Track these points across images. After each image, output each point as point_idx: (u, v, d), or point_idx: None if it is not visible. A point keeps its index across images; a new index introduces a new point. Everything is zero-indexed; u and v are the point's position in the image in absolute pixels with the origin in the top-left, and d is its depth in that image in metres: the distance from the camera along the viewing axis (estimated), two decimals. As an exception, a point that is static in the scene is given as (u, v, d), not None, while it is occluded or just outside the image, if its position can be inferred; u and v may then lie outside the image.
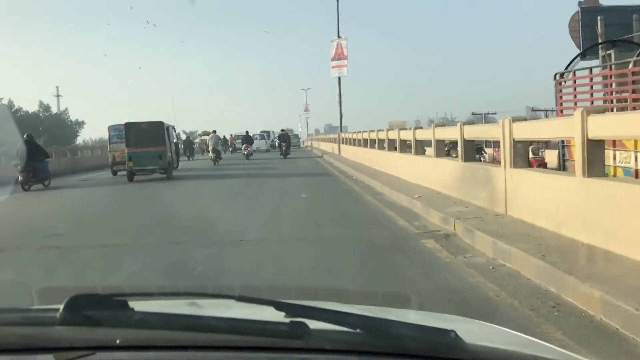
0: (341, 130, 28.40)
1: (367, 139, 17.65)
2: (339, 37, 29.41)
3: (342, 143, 25.21)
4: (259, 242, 5.67)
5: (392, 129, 16.47)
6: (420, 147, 10.71)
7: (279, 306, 1.01)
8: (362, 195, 9.79)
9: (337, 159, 22.29)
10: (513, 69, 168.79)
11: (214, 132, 24.61)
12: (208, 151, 24.14)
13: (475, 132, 7.67)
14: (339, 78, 29.44)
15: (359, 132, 20.58)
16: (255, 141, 33.12)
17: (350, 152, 21.57)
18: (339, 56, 29.01)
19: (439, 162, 8.76)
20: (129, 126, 15.51)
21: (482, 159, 14.57)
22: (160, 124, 15.65)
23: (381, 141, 14.77)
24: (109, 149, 18.31)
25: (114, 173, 17.58)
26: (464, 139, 7.26)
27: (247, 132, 30.61)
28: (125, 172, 15.60)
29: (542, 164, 10.55)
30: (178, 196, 11.52)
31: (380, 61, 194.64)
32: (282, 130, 30.48)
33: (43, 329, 1.04)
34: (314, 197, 9.85)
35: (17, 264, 5.22)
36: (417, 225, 6.24)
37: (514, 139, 5.59)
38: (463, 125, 7.46)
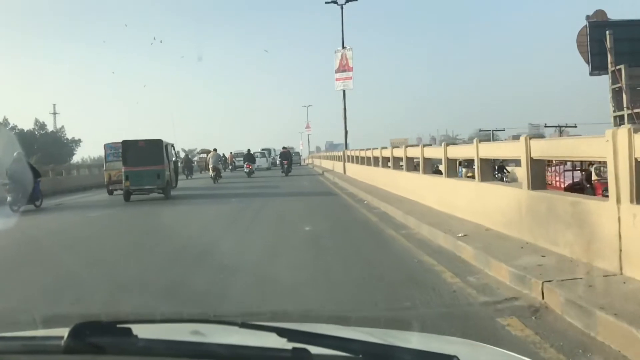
0: (346, 148, 26.31)
1: (375, 157, 15.95)
2: (343, 47, 27.01)
3: (347, 161, 23.49)
4: (243, 316, 3.58)
5: (397, 147, 15.24)
6: (450, 167, 9.12)
7: (281, 332, 1.02)
8: (382, 230, 7.89)
9: (342, 178, 20.58)
10: (512, 85, 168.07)
11: (215, 150, 24.64)
12: (208, 169, 24.04)
13: (561, 148, 5.46)
14: (344, 91, 26.79)
15: (365, 149, 18.91)
16: (256, 159, 32.98)
17: (357, 171, 19.91)
18: (343, 68, 26.55)
19: (488, 188, 6.67)
20: (127, 144, 14.97)
21: (504, 178, 12.97)
22: (159, 142, 15.06)
23: (396, 159, 12.88)
24: (104, 168, 17.77)
25: (110, 192, 17.23)
26: (531, 158, 5.29)
27: (249, 150, 30.34)
28: (122, 192, 15.21)
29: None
30: (168, 224, 10.18)
31: (379, 79, 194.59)
32: (283, 148, 30.46)
33: (47, 357, 1.07)
34: (320, 232, 7.92)
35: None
36: (477, 286, 4.29)
37: (637, 159, 3.66)
38: (529, 139, 5.40)
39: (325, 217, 9.89)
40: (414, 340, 1.44)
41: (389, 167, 13.86)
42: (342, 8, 26.11)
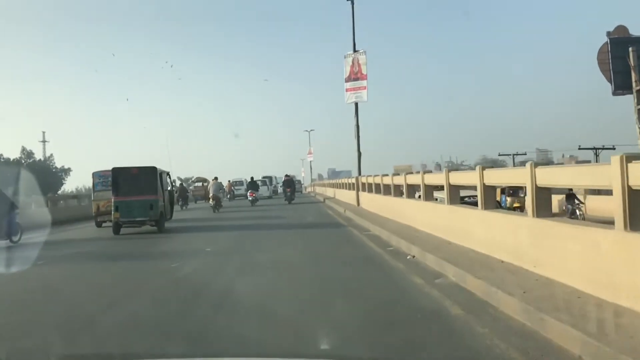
0: (360, 173, 20.90)
1: (410, 185, 11.88)
2: (355, 51, 21.66)
3: (361, 189, 19.39)
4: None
5: (398, 174, 13.88)
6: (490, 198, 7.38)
7: None
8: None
9: (358, 213, 16.09)
10: (516, 111, 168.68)
11: (216, 178, 24.22)
12: (207, 199, 23.66)
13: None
14: (356, 105, 21.42)
15: (385, 174, 15.55)
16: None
17: (377, 204, 15.58)
18: (355, 76, 21.44)
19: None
20: (117, 172, 14.07)
21: (577, 212, 10.58)
22: (153, 169, 14.15)
23: (454, 189, 8.76)
24: (92, 198, 16.95)
25: (99, 225, 16.36)
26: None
27: (252, 178, 29.86)
28: (111, 224, 14.23)
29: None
30: (150, 269, 8.29)
31: (381, 105, 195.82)
32: (286, 175, 30.53)
33: None
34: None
35: None
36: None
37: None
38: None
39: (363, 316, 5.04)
40: None
41: (433, 199, 10.40)
42: (352, 2, 21.51)
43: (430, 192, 10.29)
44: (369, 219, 13.54)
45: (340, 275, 6.97)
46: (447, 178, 8.78)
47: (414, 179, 11.92)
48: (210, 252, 10.00)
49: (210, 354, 3.97)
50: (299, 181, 57.61)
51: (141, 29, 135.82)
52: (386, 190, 14.70)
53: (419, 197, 11.30)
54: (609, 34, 23.14)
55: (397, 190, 13.36)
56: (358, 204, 19.47)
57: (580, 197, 11.28)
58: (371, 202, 16.89)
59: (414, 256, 7.93)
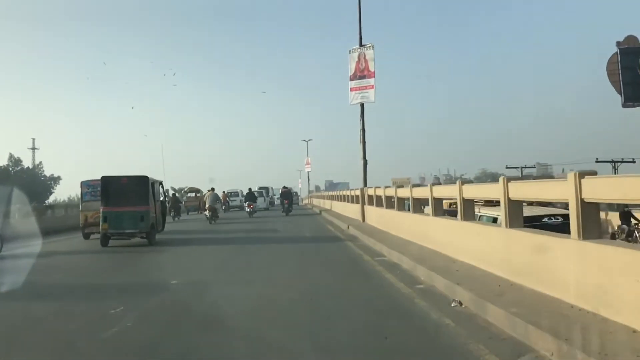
0: (365, 184, 18.20)
1: (438, 199, 9.24)
2: (361, 45, 18.87)
3: (367, 202, 17.19)
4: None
5: (419, 185, 12.39)
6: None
7: None
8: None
9: (364, 230, 14.00)
10: (512, 123, 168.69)
11: (212, 189, 24.05)
12: (204, 209, 23.26)
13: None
14: (362, 107, 18.58)
15: (401, 186, 13.53)
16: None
17: (387, 221, 13.41)
18: (361, 73, 18.73)
19: None
20: (107, 181, 13.35)
21: (636, 233, 8.40)
22: (144, 179, 13.44)
23: (515, 206, 6.27)
24: (80, 208, 16.02)
25: (86, 236, 15.52)
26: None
27: (250, 189, 29.08)
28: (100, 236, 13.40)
29: None
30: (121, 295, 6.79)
31: (377, 117, 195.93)
32: (284, 187, 30.20)
33: None
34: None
35: None
36: None
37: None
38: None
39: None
40: None
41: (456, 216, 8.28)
42: None
43: (470, 208, 7.91)
44: (380, 239, 11.31)
45: (354, 341, 4.39)
46: (506, 190, 6.04)
47: (445, 191, 9.38)
48: (177, 285, 7.49)
49: None
50: (296, 193, 56.95)
51: (136, 36, 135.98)
52: (400, 204, 12.66)
53: (443, 213, 9.39)
54: (618, 43, 22.72)
55: (418, 205, 11.11)
56: (363, 219, 17.32)
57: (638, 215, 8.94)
58: (380, 217, 14.77)
59: (460, 303, 5.46)
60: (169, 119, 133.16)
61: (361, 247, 11.63)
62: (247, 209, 26.57)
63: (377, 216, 15.34)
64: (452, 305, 5.46)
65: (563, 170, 57.35)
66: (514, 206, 6.13)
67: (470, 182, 9.80)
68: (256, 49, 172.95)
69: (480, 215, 8.45)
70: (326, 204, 34.12)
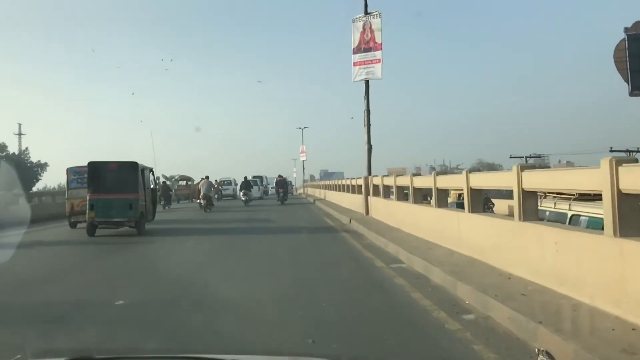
0: (369, 173, 16.33)
1: (458, 191, 8.14)
2: (366, 13, 16.78)
3: (371, 193, 15.30)
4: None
5: (445, 172, 11.81)
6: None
7: None
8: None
9: (369, 226, 12.01)
10: (509, 115, 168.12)
11: (207, 177, 23.61)
12: (197, 198, 23.18)
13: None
14: (367, 83, 16.63)
15: (418, 174, 12.00)
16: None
17: (398, 215, 11.58)
18: (366, 45, 16.56)
19: None
20: (94, 166, 12.73)
21: None
22: (134, 165, 12.86)
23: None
24: (66, 196, 15.37)
25: (72, 225, 14.90)
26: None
27: (245, 178, 28.38)
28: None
29: None
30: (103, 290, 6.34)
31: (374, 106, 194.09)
32: (279, 176, 30.27)
33: None
34: None
35: None
36: None
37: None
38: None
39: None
40: None
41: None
42: None
43: (533, 202, 5.72)
44: (392, 239, 9.23)
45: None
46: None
47: (492, 180, 7.41)
48: (122, 306, 5.31)
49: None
50: (290, 182, 56.28)
51: (127, 24, 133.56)
52: (416, 196, 10.54)
53: (482, 209, 7.48)
54: (626, 30, 22.01)
55: (444, 198, 9.36)
56: (367, 212, 15.38)
57: None
58: (388, 211, 12.79)
59: (545, 351, 2.22)
60: (162, 106, 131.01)
61: (369, 247, 9.60)
62: (243, 198, 26.28)
63: (383, 209, 13.44)
64: (538, 355, 2.40)
65: (560, 161, 57.13)
66: (629, 201, 3.98)
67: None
68: (252, 37, 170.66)
69: (572, 215, 6.82)
70: (321, 193, 33.42)
